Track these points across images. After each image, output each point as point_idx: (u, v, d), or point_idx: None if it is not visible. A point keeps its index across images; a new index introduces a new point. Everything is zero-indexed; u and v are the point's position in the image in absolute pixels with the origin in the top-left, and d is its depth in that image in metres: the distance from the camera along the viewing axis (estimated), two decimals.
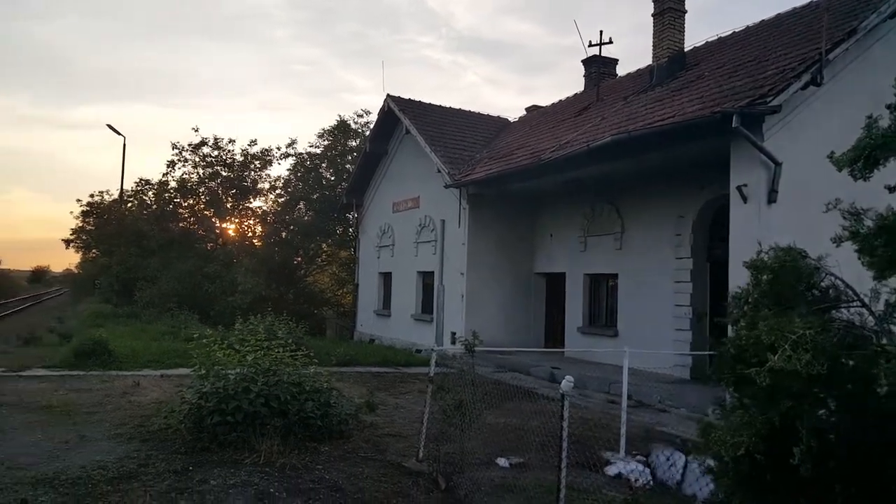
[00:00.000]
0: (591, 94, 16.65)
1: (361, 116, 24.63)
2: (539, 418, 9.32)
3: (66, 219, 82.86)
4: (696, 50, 14.69)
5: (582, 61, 18.47)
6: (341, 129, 24.62)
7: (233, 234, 26.86)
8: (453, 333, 15.73)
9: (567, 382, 5.08)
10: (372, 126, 22.33)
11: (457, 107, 20.03)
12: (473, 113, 20.02)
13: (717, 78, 11.49)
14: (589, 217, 14.31)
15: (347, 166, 24.03)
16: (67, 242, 49.99)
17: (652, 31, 14.24)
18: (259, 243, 26.05)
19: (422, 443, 7.18)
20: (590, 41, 17.27)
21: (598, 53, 16.73)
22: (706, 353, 10.82)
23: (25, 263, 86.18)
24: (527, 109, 20.82)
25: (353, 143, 24.49)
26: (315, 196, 24.87)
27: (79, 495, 5.48)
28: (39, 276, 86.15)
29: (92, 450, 6.85)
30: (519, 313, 15.77)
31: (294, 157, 25.67)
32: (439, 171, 15.74)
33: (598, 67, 17.42)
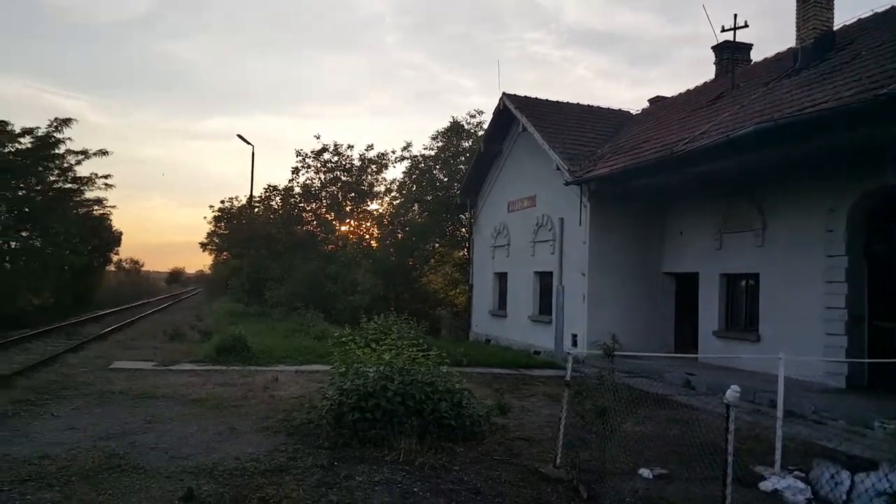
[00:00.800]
0: (725, 82, 15.62)
1: (474, 117, 24.74)
2: (678, 427, 8.83)
3: (198, 223, 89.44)
4: (846, 28, 13.37)
5: (713, 48, 17.40)
6: (454, 131, 24.80)
7: (352, 236, 27.79)
8: (574, 336, 15.33)
9: (733, 392, 4.66)
10: (485, 126, 22.30)
11: (568, 102, 19.55)
12: (592, 107, 19.42)
13: (877, 58, 10.35)
14: (724, 213, 13.41)
15: (461, 167, 24.16)
16: (203, 245, 53.96)
17: (795, 11, 13.12)
18: (376, 245, 26.79)
19: (559, 449, 6.93)
20: (722, 26, 16.22)
21: (731, 39, 15.65)
22: (874, 360, 9.78)
23: (163, 265, 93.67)
24: (650, 101, 19.95)
25: (467, 144, 24.59)
26: (429, 197, 25.21)
27: (237, 486, 5.74)
28: (176, 276, 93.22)
29: (243, 442, 7.20)
30: (645, 315, 15.08)
31: (409, 160, 26.17)
32: (558, 169, 15.38)
33: (732, 53, 16.30)
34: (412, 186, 26.17)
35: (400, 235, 25.37)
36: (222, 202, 50.93)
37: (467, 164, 23.31)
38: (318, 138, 27.00)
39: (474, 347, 16.96)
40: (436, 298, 26.48)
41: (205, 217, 60.97)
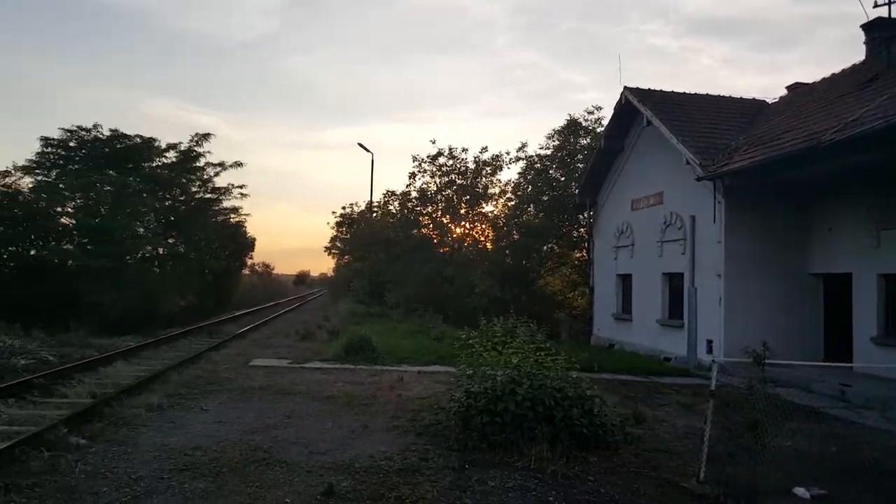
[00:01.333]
0: (878, 63, 14.08)
1: (592, 113, 24.04)
2: (835, 443, 7.99)
3: (322, 228, 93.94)
4: None
5: (862, 27, 15.72)
6: (571, 129, 24.24)
7: (468, 239, 27.94)
8: (709, 341, 14.40)
9: None
10: (605, 122, 21.61)
11: (696, 93, 18.44)
12: (722, 97, 18.20)
13: None
14: (882, 207, 12.05)
15: (578, 165, 23.56)
16: (327, 250, 56.49)
17: None
18: (491, 247, 26.74)
19: (703, 463, 6.45)
20: (875, 1, 14.63)
21: (885, 15, 14.08)
22: None
23: (291, 268, 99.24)
24: (788, 88, 18.40)
25: (585, 142, 23.95)
26: (545, 198, 24.81)
27: (373, 484, 5.82)
28: (302, 279, 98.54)
29: (375, 440, 7.33)
30: (789, 320, 13.87)
31: (524, 161, 25.89)
32: (688, 164, 14.52)
33: (885, 31, 14.65)
34: (527, 187, 25.87)
35: (516, 237, 25.14)
36: (343, 208, 53.12)
37: (585, 162, 22.69)
38: (433, 143, 27.44)
39: (598, 352, 16.42)
40: (554, 301, 25.99)
41: (328, 223, 63.88)
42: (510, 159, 26.79)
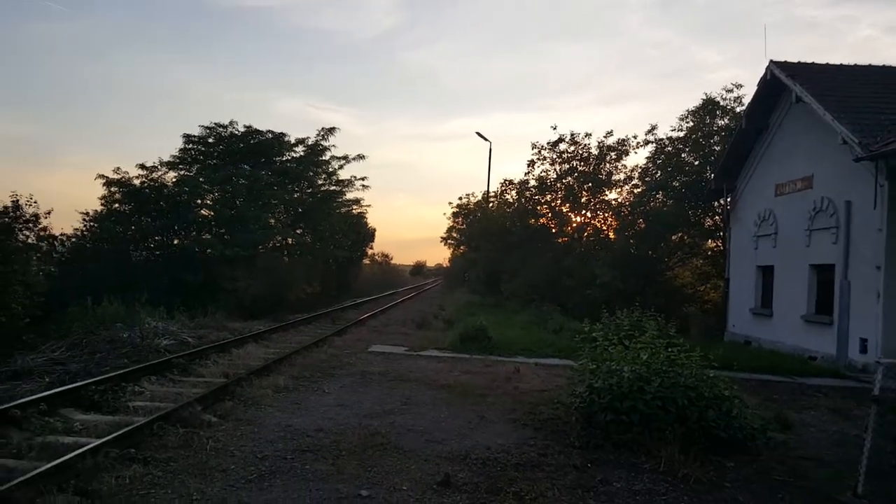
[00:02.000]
0: None
1: (731, 91, 22.12)
2: None
3: (438, 219, 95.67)
4: None
5: None
6: (707, 108, 22.50)
7: (588, 228, 26.98)
8: (863, 340, 12.86)
9: None
10: (745, 101, 19.92)
11: (855, 64, 16.45)
12: (887, 68, 16.10)
13: None
14: None
15: (714, 148, 21.89)
16: (444, 240, 57.31)
17: None
18: (614, 236, 25.62)
19: (861, 475, 5.67)
20: None
21: None
22: None
23: (408, 258, 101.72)
24: None
25: (722, 122, 22.18)
26: (675, 184, 23.33)
27: (490, 477, 5.59)
28: (419, 269, 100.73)
29: (491, 432, 7.10)
30: None
31: (654, 144, 24.44)
32: (844, 143, 12.96)
33: None
34: (656, 172, 24.45)
35: (642, 225, 23.87)
36: (460, 198, 53.56)
37: (723, 144, 21.06)
38: (554, 129, 26.46)
39: (733, 349, 15.18)
40: (683, 294, 24.49)
41: (444, 213, 64.75)
42: (637, 143, 25.41)
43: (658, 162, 23.97)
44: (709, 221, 23.59)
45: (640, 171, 25.40)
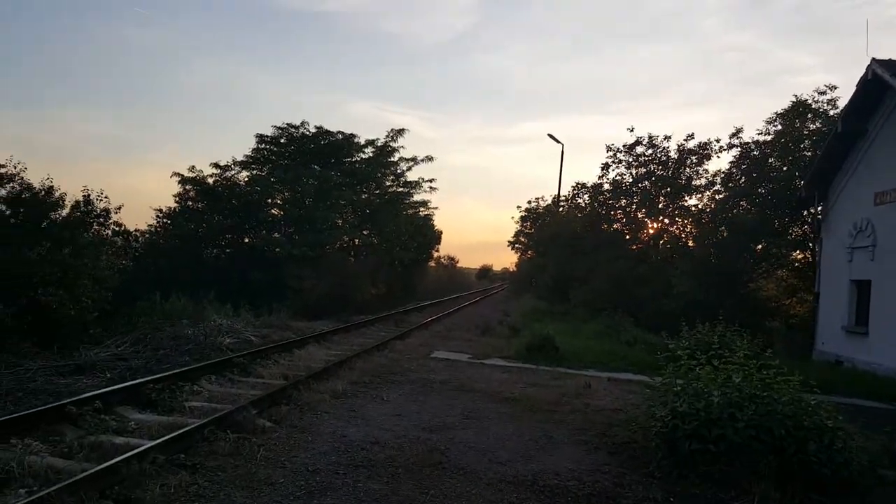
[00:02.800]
0: None
1: (824, 93, 20.51)
2: None
3: (505, 223, 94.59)
4: None
5: None
6: (797, 111, 20.95)
7: (665, 236, 25.74)
8: None
9: None
10: (840, 105, 18.43)
11: None
12: None
13: None
14: None
15: (805, 154, 20.35)
16: (511, 244, 56.66)
17: None
18: (692, 244, 24.32)
19: None
20: None
21: None
22: None
23: (474, 262, 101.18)
24: None
25: (814, 126, 20.61)
26: (761, 190, 21.90)
27: None
28: (484, 273, 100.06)
29: (560, 454, 6.50)
30: None
31: (738, 148, 23.05)
32: None
33: None
34: (740, 178, 23.06)
35: (723, 234, 22.50)
36: (529, 202, 52.73)
37: (815, 149, 19.55)
38: (631, 131, 25.44)
39: (822, 370, 13.93)
40: (766, 308, 22.92)
41: (512, 217, 64.09)
42: (720, 147, 24.10)
43: (743, 167, 22.58)
44: (797, 231, 21.99)
45: (722, 176, 24.06)
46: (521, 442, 6.84)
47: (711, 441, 5.86)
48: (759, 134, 22.53)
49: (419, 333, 16.79)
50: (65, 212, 11.26)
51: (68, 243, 10.14)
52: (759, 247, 21.98)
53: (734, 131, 23.43)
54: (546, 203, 53.54)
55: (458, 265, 63.88)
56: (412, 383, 9.70)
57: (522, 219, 57.05)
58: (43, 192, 10.99)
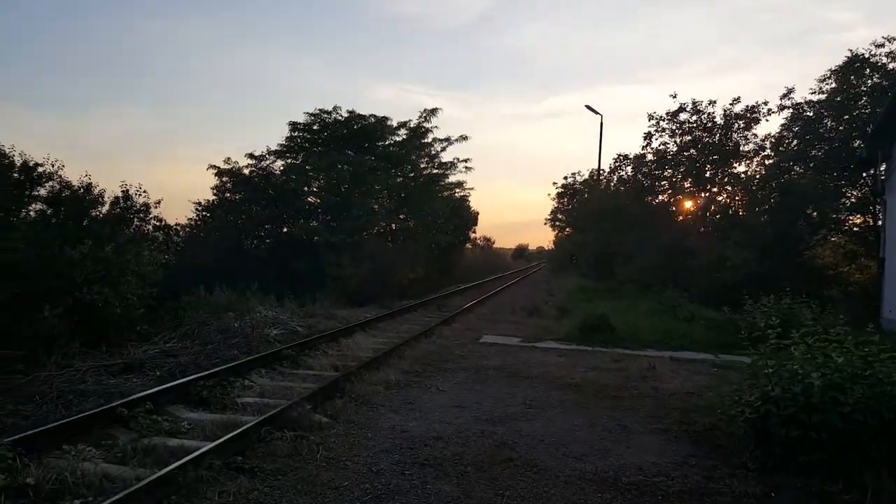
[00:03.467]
0: None
1: (882, 46, 19.18)
2: None
3: (538, 201, 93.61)
4: None
5: None
6: (853, 67, 19.67)
7: (713, 205, 24.75)
8: None
9: None
10: None
11: None
12: None
13: None
14: None
15: (864, 112, 19.13)
16: (548, 221, 55.79)
17: None
18: (742, 213, 23.29)
19: None
20: None
21: None
22: None
23: (508, 242, 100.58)
24: None
25: (872, 82, 19.34)
26: (815, 153, 20.78)
27: None
28: (520, 252, 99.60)
29: (638, 445, 6.02)
30: None
31: (790, 109, 21.86)
32: None
33: None
34: (792, 141, 21.94)
35: (776, 200, 21.43)
36: (565, 178, 51.69)
37: (874, 106, 18.38)
38: (674, 97, 24.51)
39: (892, 340, 13.07)
40: (824, 276, 21.84)
41: (548, 194, 63.22)
42: (767, 110, 22.95)
43: (795, 129, 21.42)
44: (855, 194, 20.83)
45: (772, 140, 22.92)
46: (594, 433, 6.36)
47: (813, 427, 5.31)
48: (811, 93, 21.34)
49: (464, 318, 16.37)
50: (105, 209, 11.12)
51: (110, 240, 9.94)
52: (815, 213, 20.89)
53: (785, 92, 22.23)
54: (583, 178, 52.37)
55: (494, 245, 63.20)
56: (465, 371, 9.29)
57: (559, 195, 56.01)
58: (82, 190, 10.85)
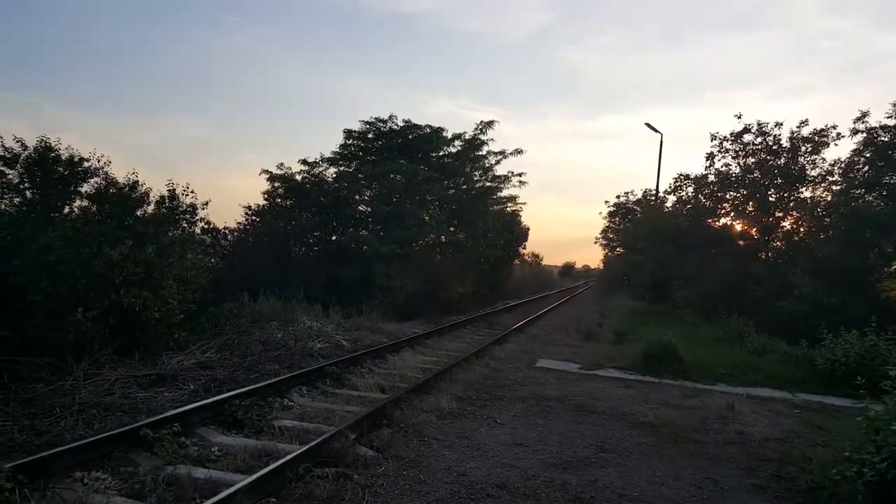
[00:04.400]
0: None
1: None
2: None
3: (586, 219, 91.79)
4: None
5: None
6: None
7: (778, 231, 23.26)
8: None
9: None
10: None
11: None
12: None
13: None
14: None
15: None
16: (599, 240, 54.45)
17: None
18: (811, 240, 21.76)
19: None
20: None
21: None
22: None
23: (555, 259, 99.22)
24: None
25: None
26: (887, 180, 19.24)
27: None
28: (568, 270, 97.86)
29: None
30: None
31: (864, 133, 20.39)
32: None
33: None
34: (864, 167, 20.43)
35: (845, 228, 19.92)
36: (618, 197, 50.29)
37: None
38: (738, 118, 23.28)
39: None
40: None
41: (599, 212, 61.85)
42: (836, 134, 21.60)
43: (867, 155, 19.95)
44: None
45: (842, 166, 21.47)
46: (682, 488, 5.45)
47: None
48: (887, 117, 19.83)
49: (516, 337, 15.50)
50: (150, 208, 10.73)
51: (152, 241, 9.50)
52: (889, 243, 19.28)
53: (859, 115, 20.75)
54: (636, 197, 50.85)
55: (542, 262, 61.90)
56: (523, 400, 8.45)
57: (611, 214, 54.61)
58: (127, 188, 10.47)
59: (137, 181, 10.89)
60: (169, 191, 11.30)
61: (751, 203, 23.71)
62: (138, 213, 10.79)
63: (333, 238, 21.97)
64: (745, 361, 12.60)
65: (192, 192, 11.59)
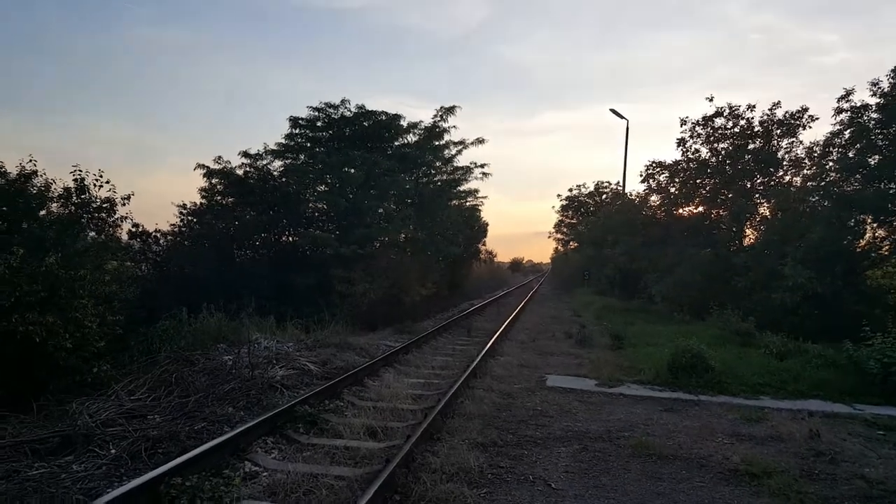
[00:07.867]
0: None
1: None
2: None
3: (529, 214, 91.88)
4: None
5: None
6: None
7: (754, 218, 22.24)
8: None
9: None
10: None
11: None
12: None
13: None
14: None
15: None
16: (552, 234, 53.45)
17: None
18: (791, 226, 20.78)
19: None
20: None
21: None
22: None
23: (504, 255, 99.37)
24: None
25: None
26: (873, 159, 18.41)
27: None
28: (517, 266, 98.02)
29: None
30: None
31: (846, 113, 19.50)
32: None
33: None
34: (847, 149, 19.57)
35: (831, 213, 18.98)
36: (570, 190, 49.27)
37: None
38: (710, 100, 22.29)
39: None
40: (887, 299, 19.33)
41: (553, 206, 60.87)
42: (810, 117, 21.04)
43: (847, 136, 19.13)
44: None
45: (820, 147, 20.71)
46: None
47: None
48: (872, 95, 18.98)
49: (506, 347, 13.55)
50: (54, 206, 8.24)
51: (55, 248, 7.08)
52: (876, 227, 18.45)
53: (844, 93, 19.86)
54: (588, 190, 49.90)
55: (497, 260, 60.61)
56: (564, 443, 6.49)
57: (563, 208, 53.62)
58: (19, 180, 7.94)
59: (36, 171, 8.35)
60: (76, 181, 8.71)
61: (725, 190, 22.66)
62: (41, 213, 8.30)
63: (283, 239, 19.50)
64: (776, 367, 11.04)
65: (107, 182, 9.05)
